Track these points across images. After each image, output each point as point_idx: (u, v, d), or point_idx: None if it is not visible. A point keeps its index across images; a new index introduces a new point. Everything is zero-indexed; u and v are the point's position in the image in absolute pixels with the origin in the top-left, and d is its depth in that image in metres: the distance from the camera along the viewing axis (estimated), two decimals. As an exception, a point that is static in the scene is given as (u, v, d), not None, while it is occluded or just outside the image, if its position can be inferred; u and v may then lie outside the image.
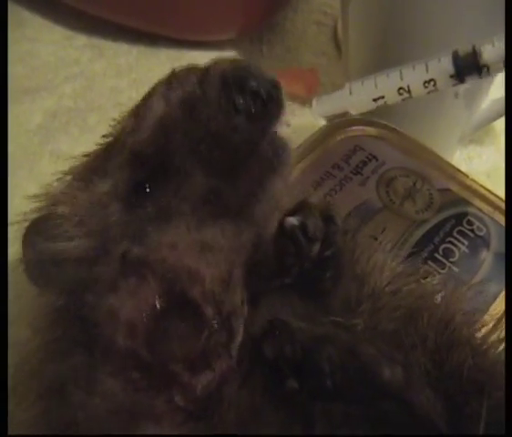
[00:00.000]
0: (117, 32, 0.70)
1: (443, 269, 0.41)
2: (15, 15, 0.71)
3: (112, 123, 0.34)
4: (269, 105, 0.30)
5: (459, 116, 0.56)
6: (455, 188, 0.46)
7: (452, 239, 0.43)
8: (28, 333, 0.30)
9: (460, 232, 0.43)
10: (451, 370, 0.28)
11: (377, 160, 0.48)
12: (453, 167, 0.48)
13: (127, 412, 0.27)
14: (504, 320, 0.30)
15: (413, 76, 0.35)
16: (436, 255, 0.42)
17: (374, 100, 0.36)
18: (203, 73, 0.31)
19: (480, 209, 0.45)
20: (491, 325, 0.32)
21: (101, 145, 0.33)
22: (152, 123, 0.30)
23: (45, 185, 0.33)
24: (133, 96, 0.65)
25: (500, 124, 0.58)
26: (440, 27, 0.48)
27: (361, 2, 0.53)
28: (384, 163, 0.48)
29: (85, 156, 0.34)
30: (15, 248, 0.31)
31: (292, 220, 0.29)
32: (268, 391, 0.27)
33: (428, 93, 0.35)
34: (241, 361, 0.28)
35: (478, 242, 0.43)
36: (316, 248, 0.29)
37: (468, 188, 0.46)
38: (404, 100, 0.37)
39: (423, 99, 0.42)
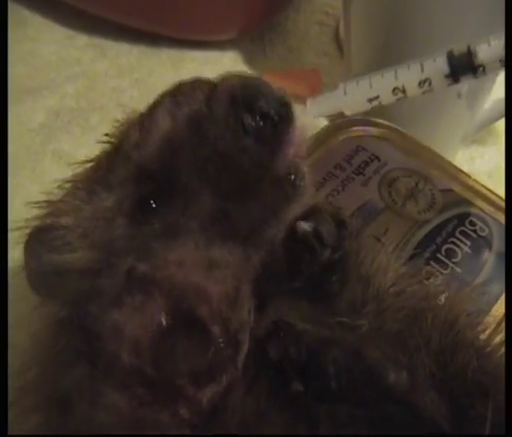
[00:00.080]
0: (118, 31, 0.70)
1: (445, 269, 0.41)
2: (17, 14, 0.71)
3: (115, 124, 0.34)
4: (279, 126, 0.29)
5: (461, 117, 0.56)
6: (457, 188, 0.46)
7: (454, 240, 0.43)
8: (27, 342, 0.29)
9: (462, 233, 0.43)
10: (455, 373, 0.28)
11: (379, 161, 0.48)
12: (455, 167, 0.48)
13: (131, 426, 0.26)
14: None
15: (408, 76, 0.35)
16: (439, 255, 0.42)
17: (369, 100, 0.36)
18: (211, 89, 0.30)
19: (482, 210, 0.45)
20: (494, 326, 0.32)
21: (104, 150, 0.33)
22: (158, 138, 0.30)
23: (47, 190, 0.33)
24: (135, 96, 0.66)
25: (502, 124, 0.58)
26: (442, 27, 0.48)
27: (363, 2, 0.53)
28: (387, 163, 0.48)
29: (87, 161, 0.33)
30: (15, 254, 0.31)
31: (305, 226, 0.29)
32: (273, 394, 0.27)
33: (423, 93, 0.35)
34: (247, 367, 0.28)
35: (481, 243, 0.43)
36: (328, 252, 0.29)
37: (471, 188, 0.46)
38: (398, 100, 0.37)
39: (425, 99, 0.42)
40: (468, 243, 0.43)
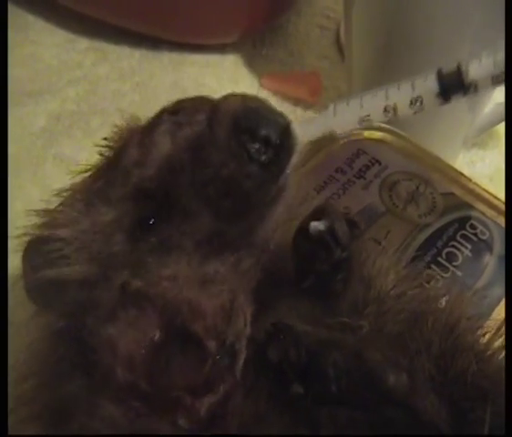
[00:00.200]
0: (119, 35, 0.70)
1: (446, 273, 0.41)
2: (18, 18, 0.71)
3: (114, 129, 0.34)
4: (281, 152, 0.29)
5: (462, 120, 0.56)
6: (458, 191, 0.46)
7: (455, 243, 0.43)
8: (24, 352, 0.29)
9: (463, 236, 0.43)
10: (455, 376, 0.28)
11: (380, 164, 0.48)
12: (456, 170, 0.48)
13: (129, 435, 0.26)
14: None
15: (399, 95, 0.35)
16: (440, 259, 0.42)
17: (360, 120, 0.35)
18: (212, 111, 0.30)
19: (483, 213, 0.45)
20: (494, 329, 0.32)
21: (102, 158, 0.33)
22: (158, 160, 0.30)
23: (48, 194, 0.33)
24: (136, 100, 0.66)
25: (503, 127, 0.58)
26: (443, 30, 0.48)
27: (364, 5, 0.53)
28: (387, 167, 0.48)
29: (86, 169, 0.33)
30: (15, 262, 0.31)
31: (319, 225, 0.30)
32: (272, 397, 0.27)
33: (415, 113, 0.35)
34: (246, 371, 0.28)
35: (481, 246, 0.43)
36: (339, 252, 0.30)
37: (471, 191, 0.46)
38: (389, 120, 0.37)
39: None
40: (469, 246, 0.43)
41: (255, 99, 0.31)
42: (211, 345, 0.27)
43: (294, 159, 0.30)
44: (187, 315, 0.27)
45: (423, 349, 0.29)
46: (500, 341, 0.30)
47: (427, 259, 0.42)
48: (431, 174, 0.47)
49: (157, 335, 0.26)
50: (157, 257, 0.28)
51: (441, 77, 0.34)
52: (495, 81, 0.33)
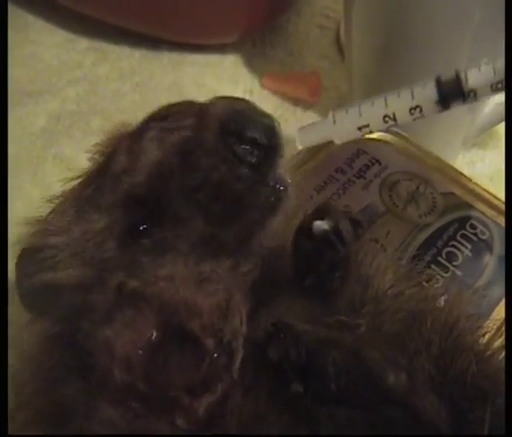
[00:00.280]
0: (119, 35, 0.70)
1: (446, 272, 0.41)
2: (18, 18, 0.71)
3: (104, 134, 0.34)
4: (269, 152, 0.29)
5: (462, 120, 0.56)
6: (458, 191, 0.46)
7: (455, 243, 0.43)
8: (20, 360, 0.29)
9: (463, 236, 0.43)
10: (455, 376, 0.28)
11: (380, 164, 0.48)
12: (456, 170, 0.48)
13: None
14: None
15: (398, 104, 0.34)
16: (440, 259, 0.42)
17: (359, 129, 0.35)
18: (199, 115, 0.30)
19: (483, 213, 0.45)
20: (494, 329, 0.32)
21: (92, 164, 0.33)
22: (147, 166, 0.30)
23: (48, 194, 0.33)
24: (136, 100, 0.66)
25: (503, 127, 0.58)
26: (443, 30, 0.48)
27: (364, 5, 0.53)
28: (387, 167, 0.48)
29: (76, 178, 0.33)
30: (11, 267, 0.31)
31: (322, 225, 0.30)
32: (272, 396, 0.27)
33: (414, 120, 0.35)
34: (245, 370, 0.28)
35: (482, 246, 0.43)
36: (345, 251, 0.30)
37: (471, 191, 0.46)
38: (389, 128, 0.37)
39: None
40: (469, 246, 0.43)
41: (242, 102, 0.31)
42: (209, 343, 0.27)
43: (282, 159, 0.31)
44: (183, 314, 0.27)
45: (422, 348, 0.29)
46: (500, 342, 0.30)
47: (427, 258, 0.42)
48: (431, 174, 0.47)
49: (154, 335, 0.26)
50: (152, 257, 0.28)
51: (440, 85, 0.34)
52: (494, 88, 0.33)
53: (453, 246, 0.43)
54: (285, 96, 0.66)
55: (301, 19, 0.74)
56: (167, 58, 0.70)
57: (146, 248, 0.29)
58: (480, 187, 0.47)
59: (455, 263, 0.42)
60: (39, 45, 0.70)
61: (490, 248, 0.43)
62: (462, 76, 0.33)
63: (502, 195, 0.43)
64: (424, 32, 0.49)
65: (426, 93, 0.34)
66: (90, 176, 0.33)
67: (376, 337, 0.29)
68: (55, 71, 0.68)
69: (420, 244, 0.43)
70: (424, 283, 0.34)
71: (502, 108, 0.55)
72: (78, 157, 0.51)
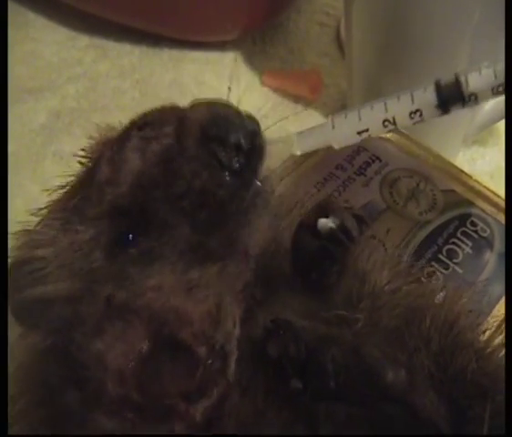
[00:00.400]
0: (119, 32, 0.70)
1: (446, 269, 0.41)
2: (19, 15, 0.71)
3: (89, 141, 0.34)
4: (252, 156, 0.29)
5: (462, 117, 0.56)
6: (458, 188, 0.46)
7: (456, 240, 0.43)
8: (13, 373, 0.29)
9: (464, 233, 0.43)
10: (455, 374, 0.28)
11: (380, 161, 0.48)
12: (456, 168, 0.48)
13: None
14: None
15: (398, 108, 0.34)
16: (440, 256, 0.42)
17: (359, 133, 0.35)
18: (180, 121, 0.30)
19: (484, 210, 0.45)
20: (494, 327, 0.32)
21: (77, 173, 0.33)
22: (130, 177, 0.29)
23: (47, 191, 0.33)
24: (136, 96, 0.66)
25: (503, 125, 0.58)
26: (443, 27, 0.48)
27: (364, 3, 0.52)
28: (388, 164, 0.48)
29: (61, 187, 0.33)
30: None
31: (328, 222, 0.30)
32: (271, 392, 0.27)
33: (414, 124, 0.35)
34: (243, 369, 0.28)
35: (482, 243, 0.43)
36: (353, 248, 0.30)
37: (472, 188, 0.46)
38: (389, 132, 0.36)
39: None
40: (470, 244, 0.43)
41: (222, 105, 0.30)
42: (201, 351, 0.27)
43: (265, 162, 0.30)
44: (174, 323, 0.27)
45: (422, 345, 0.29)
46: (500, 339, 0.30)
47: (428, 255, 0.42)
48: (431, 171, 0.47)
49: (145, 346, 0.26)
50: (140, 268, 0.28)
51: (439, 89, 0.33)
52: (495, 92, 0.33)
53: (453, 243, 0.43)
54: (285, 94, 0.66)
55: (301, 16, 0.74)
56: (167, 55, 0.70)
57: (133, 257, 0.28)
58: (480, 184, 0.47)
59: (455, 260, 0.42)
60: (39, 43, 0.70)
61: (491, 246, 0.43)
62: (462, 79, 0.33)
63: (502, 192, 0.43)
64: (424, 29, 0.49)
65: (426, 97, 0.33)
66: (76, 186, 0.32)
67: (375, 333, 0.29)
68: (55, 68, 0.68)
69: (420, 241, 0.43)
70: (422, 279, 0.33)
71: (502, 106, 0.55)
72: (78, 154, 0.51)
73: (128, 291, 0.27)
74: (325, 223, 0.30)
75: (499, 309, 0.38)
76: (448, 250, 0.42)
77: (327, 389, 0.26)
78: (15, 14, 0.70)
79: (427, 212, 0.45)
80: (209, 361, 0.27)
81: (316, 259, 0.30)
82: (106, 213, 0.29)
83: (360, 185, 0.46)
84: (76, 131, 0.61)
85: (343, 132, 0.34)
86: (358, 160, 0.48)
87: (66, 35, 0.71)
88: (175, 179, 0.29)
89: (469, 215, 0.45)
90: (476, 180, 0.47)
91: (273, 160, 0.33)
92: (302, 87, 0.65)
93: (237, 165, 0.29)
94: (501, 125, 0.59)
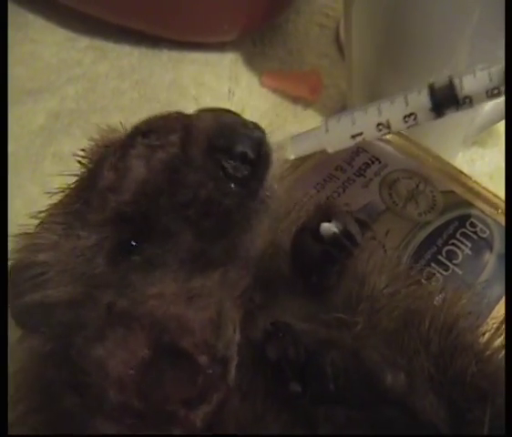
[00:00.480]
0: (119, 34, 0.70)
1: (446, 271, 0.41)
2: (18, 16, 0.71)
3: (89, 143, 0.33)
4: (258, 166, 0.29)
5: (462, 118, 0.56)
6: (458, 189, 0.46)
7: (455, 241, 0.43)
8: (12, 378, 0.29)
9: (463, 234, 0.43)
10: (454, 376, 0.28)
11: (380, 162, 0.48)
12: (456, 168, 0.48)
13: None
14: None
15: (392, 111, 0.34)
16: (440, 257, 0.42)
17: (352, 137, 0.34)
18: (185, 130, 0.30)
19: (483, 211, 0.45)
20: (494, 328, 0.32)
21: (78, 176, 0.33)
22: (134, 184, 0.29)
23: (47, 192, 0.33)
24: (135, 97, 0.66)
25: (503, 125, 0.58)
26: (443, 27, 0.48)
27: (363, 4, 0.53)
28: (387, 165, 0.48)
29: (61, 190, 0.33)
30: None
31: (331, 227, 0.30)
32: (270, 396, 0.27)
33: (408, 127, 0.34)
34: (241, 375, 0.27)
35: (482, 244, 0.43)
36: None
37: (471, 189, 0.46)
38: (383, 136, 0.36)
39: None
40: (469, 245, 0.43)
41: (228, 114, 0.30)
42: (202, 360, 0.26)
43: (271, 171, 0.30)
44: (175, 332, 0.27)
45: (421, 348, 0.29)
46: (500, 341, 0.30)
47: (427, 256, 0.42)
48: (431, 172, 0.47)
49: (146, 354, 0.26)
50: (141, 275, 0.28)
51: (433, 92, 0.33)
52: (490, 95, 0.33)
53: (453, 244, 0.43)
54: (285, 95, 0.66)
55: (300, 18, 0.74)
56: (166, 56, 0.69)
57: (136, 264, 0.28)
58: (480, 185, 0.47)
59: (455, 261, 0.42)
60: (39, 44, 0.70)
61: (490, 247, 0.43)
62: (456, 82, 0.33)
63: (502, 193, 0.43)
64: (424, 30, 0.49)
65: (421, 100, 0.33)
66: (77, 189, 0.32)
67: (374, 336, 0.29)
68: (54, 69, 0.68)
69: (420, 242, 0.43)
70: (422, 281, 0.33)
71: (502, 107, 0.55)
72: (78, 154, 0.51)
73: (129, 299, 0.27)
74: (328, 228, 0.30)
75: (499, 311, 0.38)
76: (448, 251, 0.42)
77: (326, 392, 0.26)
78: (15, 15, 0.70)
79: (427, 213, 0.45)
80: (210, 371, 0.26)
81: (318, 263, 0.30)
82: (109, 219, 0.29)
83: (359, 186, 0.46)
84: (75, 132, 0.61)
85: (336, 136, 0.34)
86: (357, 161, 0.48)
87: (65, 37, 0.71)
88: (180, 189, 0.28)
89: (469, 216, 0.45)
90: (475, 181, 0.47)
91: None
92: (302, 88, 0.65)
93: (243, 175, 0.28)
94: (501, 126, 0.59)
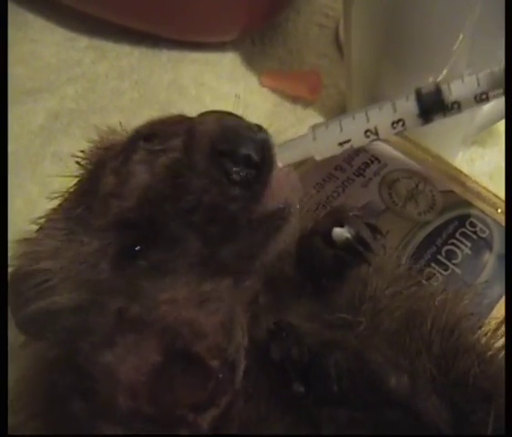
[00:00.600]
0: (119, 34, 0.70)
1: (446, 270, 0.41)
2: (18, 16, 0.71)
3: (89, 145, 0.33)
4: (262, 169, 0.28)
5: (461, 118, 0.56)
6: (457, 189, 0.46)
7: (455, 241, 0.43)
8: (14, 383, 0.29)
9: (463, 234, 0.43)
10: (457, 378, 0.28)
11: (379, 162, 0.48)
12: (455, 168, 0.49)
13: None
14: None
15: (380, 118, 0.33)
16: (439, 257, 0.42)
17: (340, 144, 0.34)
18: (188, 134, 0.29)
19: (483, 211, 0.45)
20: (494, 328, 0.32)
21: (78, 179, 0.32)
22: (137, 190, 0.29)
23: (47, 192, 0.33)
24: (135, 97, 0.66)
25: (503, 125, 0.58)
26: (442, 29, 0.48)
27: (363, 3, 0.52)
28: (387, 165, 0.48)
29: (59, 196, 0.33)
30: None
31: (344, 232, 0.29)
32: (274, 396, 0.27)
33: (397, 133, 0.34)
34: (247, 376, 0.27)
35: (481, 244, 0.43)
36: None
37: (471, 189, 0.47)
38: (371, 142, 0.36)
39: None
40: (469, 244, 0.43)
41: (231, 117, 0.30)
42: (214, 364, 0.27)
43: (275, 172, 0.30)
44: (188, 337, 0.27)
45: (423, 349, 0.29)
46: (501, 341, 0.30)
47: (427, 256, 0.42)
48: (430, 172, 0.47)
49: (158, 360, 0.26)
50: (151, 281, 0.28)
51: (420, 98, 0.33)
52: (478, 100, 0.33)
53: (452, 244, 0.43)
54: (284, 94, 0.66)
55: (300, 17, 0.74)
56: (166, 56, 0.69)
57: (143, 270, 0.28)
58: (480, 185, 0.47)
59: (454, 261, 0.42)
60: (39, 44, 0.70)
61: (490, 247, 0.43)
62: (443, 87, 0.33)
63: (502, 193, 0.43)
64: (424, 29, 0.49)
65: (409, 106, 0.33)
66: (77, 193, 0.32)
67: (377, 336, 0.29)
68: (54, 69, 0.67)
69: (420, 242, 0.43)
70: (423, 281, 0.33)
71: (502, 106, 0.55)
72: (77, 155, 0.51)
73: (141, 305, 0.27)
74: (341, 233, 0.29)
75: (499, 311, 0.38)
76: (447, 251, 0.42)
77: (330, 393, 0.26)
78: (14, 14, 0.70)
79: (426, 213, 0.45)
80: (221, 375, 0.27)
81: (330, 267, 0.30)
82: (111, 225, 0.29)
83: (359, 186, 0.46)
84: (75, 132, 0.61)
85: (324, 143, 0.34)
86: (357, 161, 0.48)
87: (65, 36, 0.71)
88: (184, 194, 0.28)
89: (468, 216, 0.45)
90: (475, 181, 0.47)
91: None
92: (302, 88, 0.65)
93: (247, 178, 0.28)
94: (500, 125, 0.59)
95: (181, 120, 0.31)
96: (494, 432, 0.26)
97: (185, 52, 0.70)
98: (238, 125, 0.29)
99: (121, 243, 0.28)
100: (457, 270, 0.41)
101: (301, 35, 0.72)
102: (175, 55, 0.69)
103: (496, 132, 0.61)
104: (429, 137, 0.51)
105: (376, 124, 0.33)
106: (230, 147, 0.28)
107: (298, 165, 0.47)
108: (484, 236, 0.44)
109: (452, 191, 0.46)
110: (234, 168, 0.28)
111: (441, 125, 0.53)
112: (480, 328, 0.31)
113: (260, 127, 0.30)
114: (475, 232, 0.44)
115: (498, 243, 0.43)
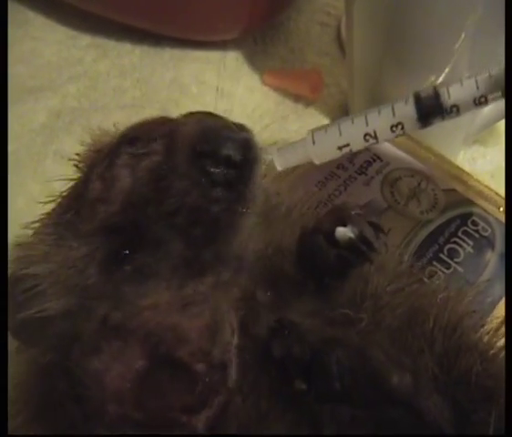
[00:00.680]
0: (120, 32, 0.70)
1: (448, 269, 0.41)
2: (19, 14, 0.71)
3: (83, 146, 0.33)
4: (244, 169, 0.28)
5: (462, 118, 0.56)
6: (459, 188, 0.46)
7: (457, 240, 0.43)
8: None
9: (465, 232, 0.43)
10: (459, 376, 0.28)
11: (381, 160, 0.48)
12: (457, 167, 0.49)
13: None
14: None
15: (379, 122, 0.33)
16: (441, 255, 0.42)
17: (339, 148, 0.34)
18: (170, 137, 0.29)
19: (485, 210, 0.45)
20: (495, 326, 0.32)
21: (67, 188, 0.33)
22: (121, 195, 0.29)
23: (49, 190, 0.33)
24: (136, 96, 0.65)
25: (504, 124, 0.58)
26: (443, 28, 0.48)
27: (365, 2, 0.52)
28: (389, 163, 0.48)
29: (51, 201, 0.33)
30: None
31: (347, 232, 0.29)
32: (275, 393, 0.27)
33: (396, 137, 0.34)
34: (245, 374, 0.27)
35: (483, 243, 0.43)
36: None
37: (473, 188, 0.46)
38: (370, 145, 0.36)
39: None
40: (471, 243, 0.43)
41: (212, 118, 0.30)
42: (199, 368, 0.27)
43: (259, 171, 0.30)
44: (170, 342, 0.27)
45: (425, 347, 0.29)
46: (503, 341, 0.30)
47: (429, 254, 0.42)
48: (432, 170, 0.47)
49: (142, 366, 0.26)
50: (135, 286, 0.28)
51: (419, 101, 0.33)
52: (477, 103, 0.33)
53: (454, 242, 0.43)
54: (286, 93, 0.66)
55: (301, 16, 0.74)
56: (168, 55, 0.69)
57: (128, 275, 0.28)
58: (481, 183, 0.47)
59: (456, 260, 0.42)
60: (40, 42, 0.70)
61: (492, 245, 0.43)
62: (441, 91, 0.33)
63: (503, 191, 0.43)
64: (425, 28, 0.49)
65: (407, 109, 0.33)
66: (69, 198, 0.32)
67: (379, 332, 0.29)
68: (55, 67, 0.67)
69: (422, 240, 0.43)
70: (425, 279, 0.33)
71: (502, 105, 0.55)
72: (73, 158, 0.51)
73: (123, 311, 0.27)
74: (344, 232, 0.29)
75: (501, 309, 0.38)
76: (449, 250, 0.42)
77: (332, 390, 0.26)
78: (15, 12, 0.70)
79: (428, 211, 0.45)
80: (208, 378, 0.27)
81: (333, 266, 0.30)
82: (98, 230, 0.29)
83: (361, 184, 0.46)
84: (76, 130, 0.61)
85: (323, 147, 0.34)
86: (359, 159, 0.48)
87: (66, 35, 0.71)
88: (166, 197, 0.28)
89: (470, 214, 0.45)
90: (476, 180, 0.47)
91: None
92: (303, 87, 0.65)
93: (229, 179, 0.28)
94: (502, 124, 0.59)
95: (164, 122, 0.31)
96: (495, 432, 0.26)
97: (187, 50, 0.70)
98: (218, 125, 0.29)
99: (108, 248, 0.29)
100: (459, 269, 0.41)
101: (302, 34, 0.72)
102: (177, 53, 0.69)
103: (498, 131, 0.61)
104: (430, 137, 0.51)
105: (375, 128, 0.33)
106: (211, 148, 0.28)
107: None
108: (486, 234, 0.43)
109: (454, 190, 0.46)
110: (215, 169, 0.28)
111: (443, 124, 0.53)
112: (482, 326, 0.31)
113: (242, 127, 0.30)
114: (477, 231, 0.44)
115: (500, 242, 0.43)
